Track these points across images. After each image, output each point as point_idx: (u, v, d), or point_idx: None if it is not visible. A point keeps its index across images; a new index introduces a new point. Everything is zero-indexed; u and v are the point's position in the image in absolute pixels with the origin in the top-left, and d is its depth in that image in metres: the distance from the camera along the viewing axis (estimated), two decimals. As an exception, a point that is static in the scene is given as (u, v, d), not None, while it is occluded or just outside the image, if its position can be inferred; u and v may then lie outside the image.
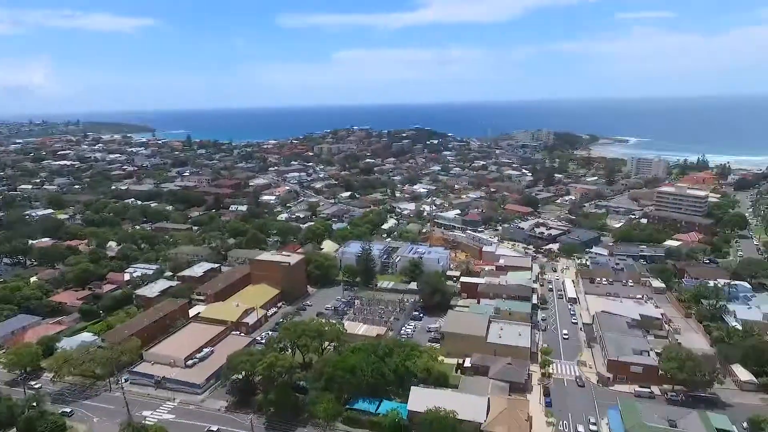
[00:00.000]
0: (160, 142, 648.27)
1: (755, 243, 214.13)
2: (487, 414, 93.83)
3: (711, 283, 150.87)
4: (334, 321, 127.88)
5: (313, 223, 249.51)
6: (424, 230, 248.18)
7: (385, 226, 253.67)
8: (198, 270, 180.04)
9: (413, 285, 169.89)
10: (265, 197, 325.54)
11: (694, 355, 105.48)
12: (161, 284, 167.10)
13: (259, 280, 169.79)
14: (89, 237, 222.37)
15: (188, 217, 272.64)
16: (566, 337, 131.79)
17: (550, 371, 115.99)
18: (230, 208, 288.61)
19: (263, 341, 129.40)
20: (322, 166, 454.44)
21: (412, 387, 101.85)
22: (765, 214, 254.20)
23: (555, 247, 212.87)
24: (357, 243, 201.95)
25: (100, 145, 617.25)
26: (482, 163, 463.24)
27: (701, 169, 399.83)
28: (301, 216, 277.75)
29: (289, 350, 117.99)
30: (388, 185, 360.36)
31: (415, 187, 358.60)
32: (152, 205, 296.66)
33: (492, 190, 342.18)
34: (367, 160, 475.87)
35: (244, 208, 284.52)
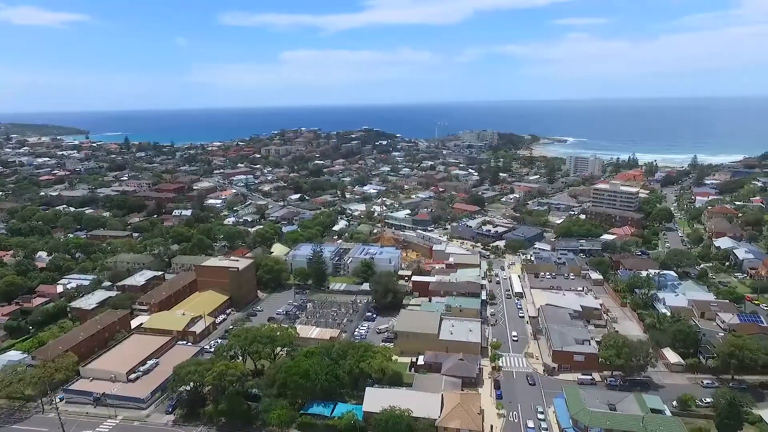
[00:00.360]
0: (94, 144, 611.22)
1: (680, 235, 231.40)
2: (441, 410, 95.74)
3: (643, 273, 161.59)
4: (286, 326, 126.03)
5: (261, 226, 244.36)
6: (375, 231, 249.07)
7: (335, 228, 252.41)
8: (140, 278, 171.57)
9: (365, 286, 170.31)
10: (211, 201, 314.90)
11: (629, 342, 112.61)
12: (99, 295, 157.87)
13: (206, 286, 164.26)
14: (15, 247, 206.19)
15: (128, 224, 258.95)
16: (515, 338, 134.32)
17: (500, 364, 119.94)
18: (173, 213, 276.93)
19: (212, 350, 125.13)
20: (269, 168, 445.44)
21: (366, 388, 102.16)
22: (687, 208, 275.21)
23: (501, 243, 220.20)
24: (308, 245, 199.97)
25: (25, 148, 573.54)
26: (430, 163, 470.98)
27: (632, 167, 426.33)
28: (249, 219, 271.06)
29: (240, 358, 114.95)
30: (337, 186, 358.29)
31: (365, 187, 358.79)
32: (87, 211, 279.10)
33: (440, 189, 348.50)
34: (316, 161, 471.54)
35: (188, 212, 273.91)
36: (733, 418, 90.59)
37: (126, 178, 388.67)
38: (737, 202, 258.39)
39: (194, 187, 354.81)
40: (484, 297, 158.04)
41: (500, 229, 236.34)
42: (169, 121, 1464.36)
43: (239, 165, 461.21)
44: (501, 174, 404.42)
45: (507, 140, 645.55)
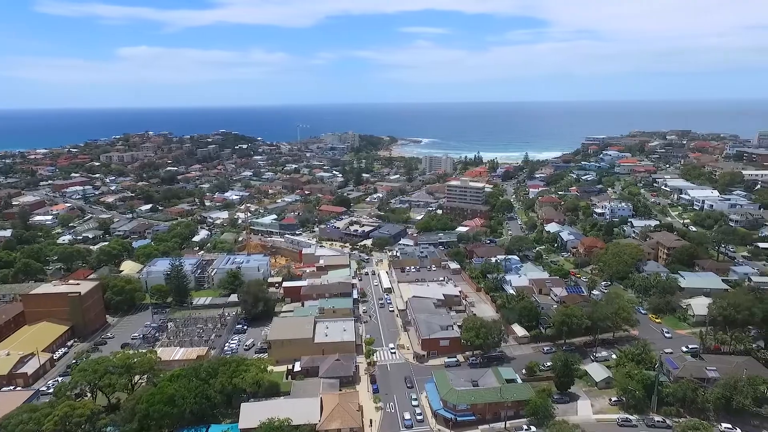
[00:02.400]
0: None
1: (519, 223, 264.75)
2: (321, 413, 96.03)
3: (492, 259, 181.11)
4: (144, 350, 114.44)
5: (107, 243, 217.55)
6: (240, 239, 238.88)
7: (196, 239, 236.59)
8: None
9: (234, 297, 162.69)
10: (38, 218, 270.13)
11: (485, 323, 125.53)
12: None
13: (38, 317, 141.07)
14: None
15: None
16: (393, 350, 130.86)
17: (375, 359, 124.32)
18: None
19: (51, 391, 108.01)
20: (112, 177, 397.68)
21: (242, 404, 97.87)
22: (523, 199, 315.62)
23: (369, 242, 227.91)
24: (164, 260, 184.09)
25: None
26: (294, 166, 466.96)
27: (477, 164, 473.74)
28: (91, 236, 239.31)
29: (89, 394, 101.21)
30: (195, 194, 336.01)
31: (226, 194, 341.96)
32: None
33: (306, 192, 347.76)
34: (169, 167, 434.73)
35: (7, 233, 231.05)
36: (567, 376, 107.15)
37: None
38: (560, 192, 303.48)
39: (14, 203, 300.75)
40: (355, 296, 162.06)
41: (367, 228, 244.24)
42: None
43: (73, 175, 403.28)
44: (364, 175, 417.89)
45: (367, 142, 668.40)
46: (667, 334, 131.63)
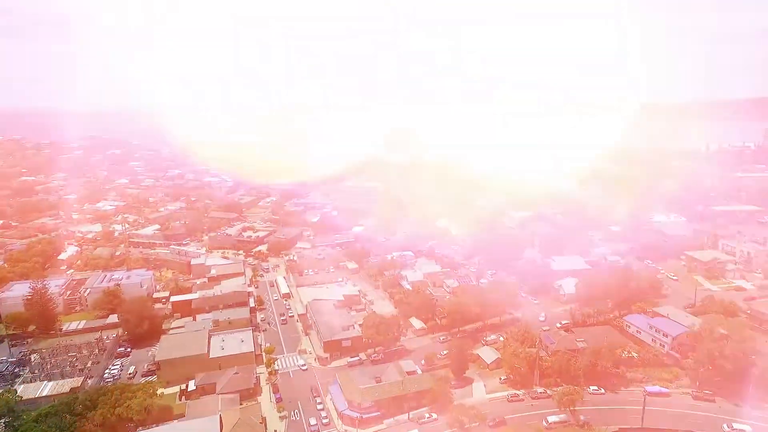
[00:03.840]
0: None
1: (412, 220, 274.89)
2: (221, 431, 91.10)
3: (389, 257, 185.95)
4: (0, 390, 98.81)
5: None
6: (117, 253, 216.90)
7: (62, 257, 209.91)
8: None
9: (113, 318, 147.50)
10: None
11: (385, 319, 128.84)
12: None
13: None
14: None
15: None
16: (304, 367, 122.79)
17: (276, 368, 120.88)
18: None
19: None
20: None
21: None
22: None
23: (264, 248, 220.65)
24: (23, 283, 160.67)
25: None
26: (178, 171, 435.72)
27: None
28: None
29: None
30: (60, 206, 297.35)
31: (98, 205, 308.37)
32: None
33: (192, 199, 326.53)
34: (24, 178, 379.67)
35: None
36: (462, 362, 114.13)
37: None
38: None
39: None
40: (252, 304, 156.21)
41: (261, 234, 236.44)
42: None
43: None
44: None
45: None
46: (540, 315, 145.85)
